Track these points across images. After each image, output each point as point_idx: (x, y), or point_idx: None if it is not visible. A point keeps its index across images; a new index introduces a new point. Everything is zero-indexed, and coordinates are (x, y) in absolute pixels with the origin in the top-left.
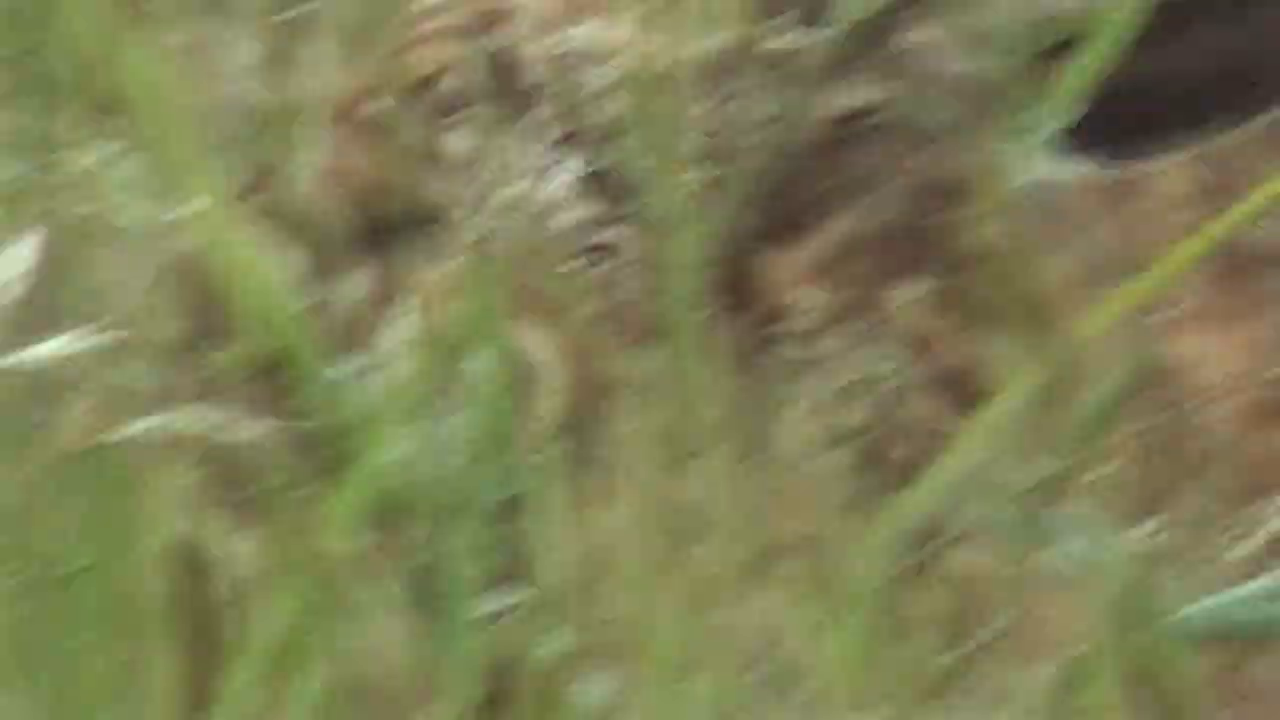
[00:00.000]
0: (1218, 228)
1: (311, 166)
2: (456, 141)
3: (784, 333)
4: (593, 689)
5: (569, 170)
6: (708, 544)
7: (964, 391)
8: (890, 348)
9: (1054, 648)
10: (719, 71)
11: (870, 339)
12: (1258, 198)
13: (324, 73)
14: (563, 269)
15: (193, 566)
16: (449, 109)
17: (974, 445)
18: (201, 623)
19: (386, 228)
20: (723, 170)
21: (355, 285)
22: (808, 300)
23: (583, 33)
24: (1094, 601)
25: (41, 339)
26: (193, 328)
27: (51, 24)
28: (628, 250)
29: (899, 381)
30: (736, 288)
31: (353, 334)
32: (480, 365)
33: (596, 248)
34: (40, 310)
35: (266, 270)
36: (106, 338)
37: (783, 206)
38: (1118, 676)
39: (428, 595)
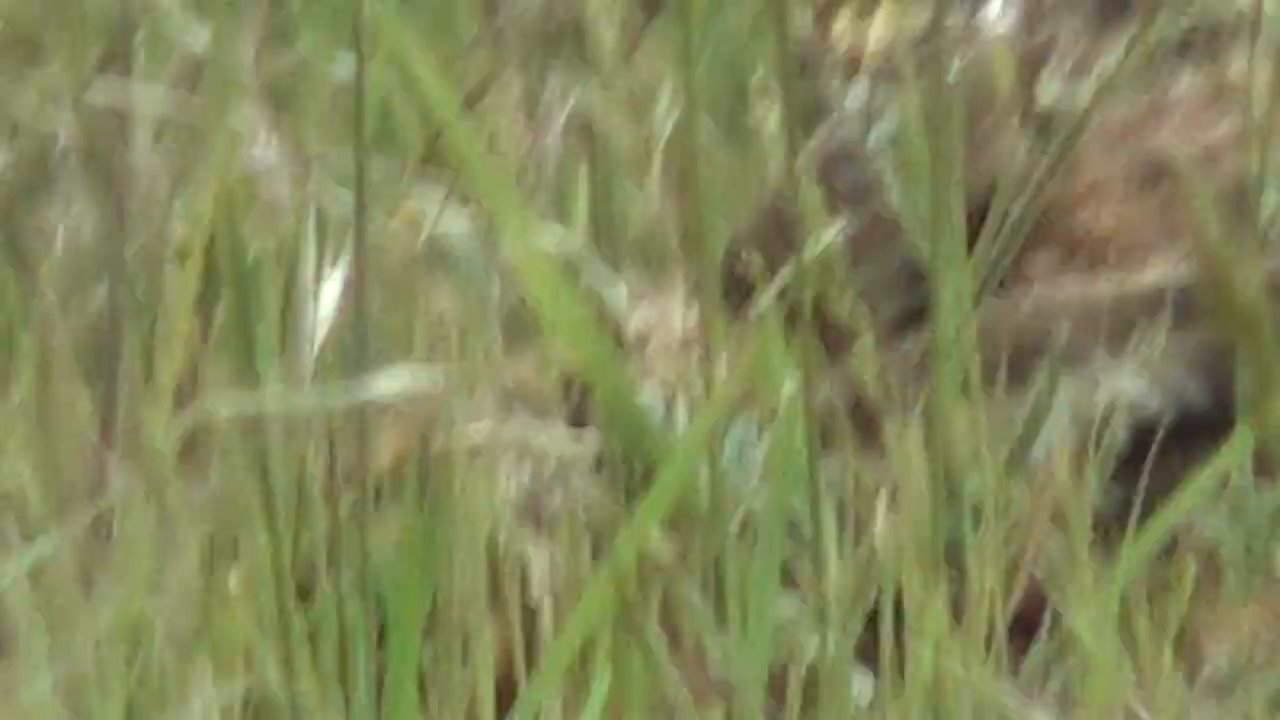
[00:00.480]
0: None
1: (646, 203)
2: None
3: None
4: (861, 691)
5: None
6: (973, 553)
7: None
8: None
9: None
10: None
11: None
12: None
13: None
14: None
15: (507, 570)
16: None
17: (1230, 463)
18: (512, 623)
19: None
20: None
21: (673, 315)
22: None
23: None
24: None
25: (370, 371)
26: (514, 356)
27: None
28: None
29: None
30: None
31: (670, 365)
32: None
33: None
34: (370, 339)
35: (580, 303)
36: (436, 372)
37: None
38: None
39: (721, 602)
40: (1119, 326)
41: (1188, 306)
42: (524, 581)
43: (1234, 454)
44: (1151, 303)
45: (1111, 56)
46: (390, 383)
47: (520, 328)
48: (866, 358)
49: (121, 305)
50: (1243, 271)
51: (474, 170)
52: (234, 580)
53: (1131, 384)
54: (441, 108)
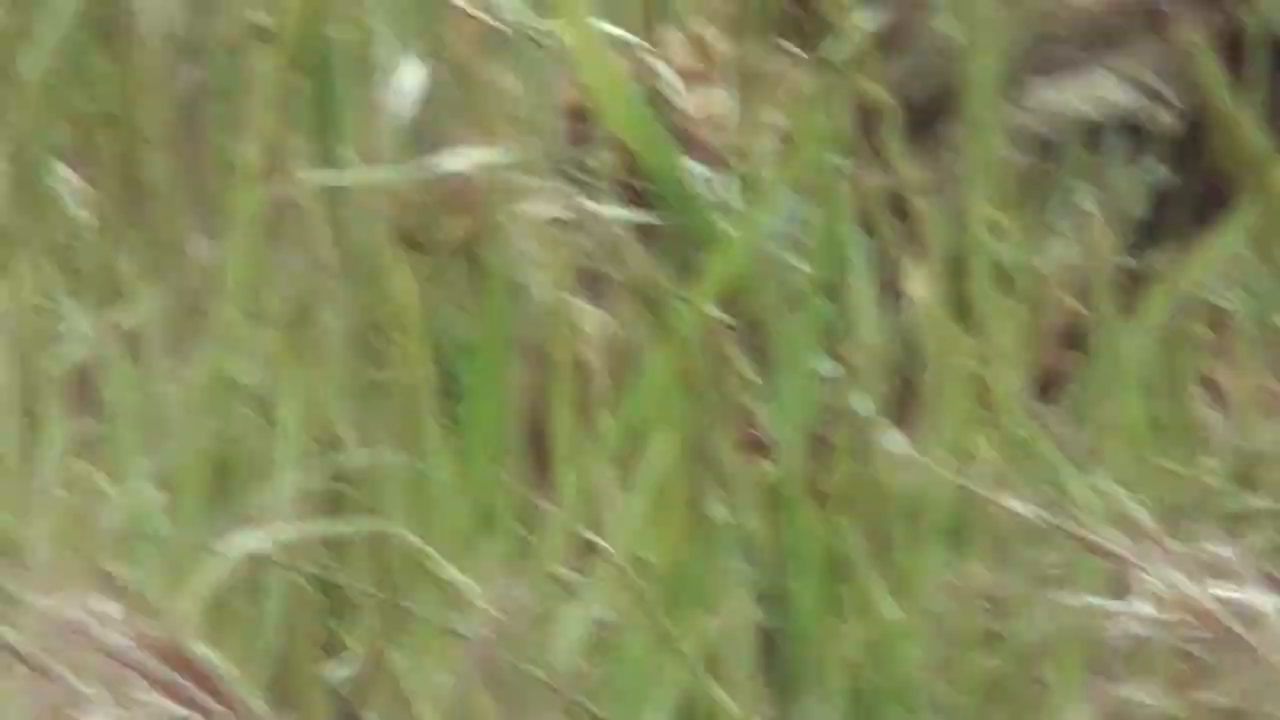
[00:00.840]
0: None
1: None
2: None
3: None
4: (896, 441)
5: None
6: (994, 316)
7: None
8: None
9: None
10: None
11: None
12: None
13: None
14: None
15: (563, 333)
16: None
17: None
18: (577, 381)
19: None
20: None
21: (719, 100)
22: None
23: None
24: None
25: (439, 149)
26: (572, 134)
27: None
28: None
29: None
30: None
31: (718, 144)
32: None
33: None
34: (438, 119)
35: (632, 88)
36: (499, 151)
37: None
38: None
39: (766, 362)
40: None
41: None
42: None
43: (1237, 226)
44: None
45: None
46: (457, 160)
47: (580, 110)
48: (898, 137)
49: (207, 85)
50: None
51: None
52: (313, 342)
53: (1121, 92)
54: None
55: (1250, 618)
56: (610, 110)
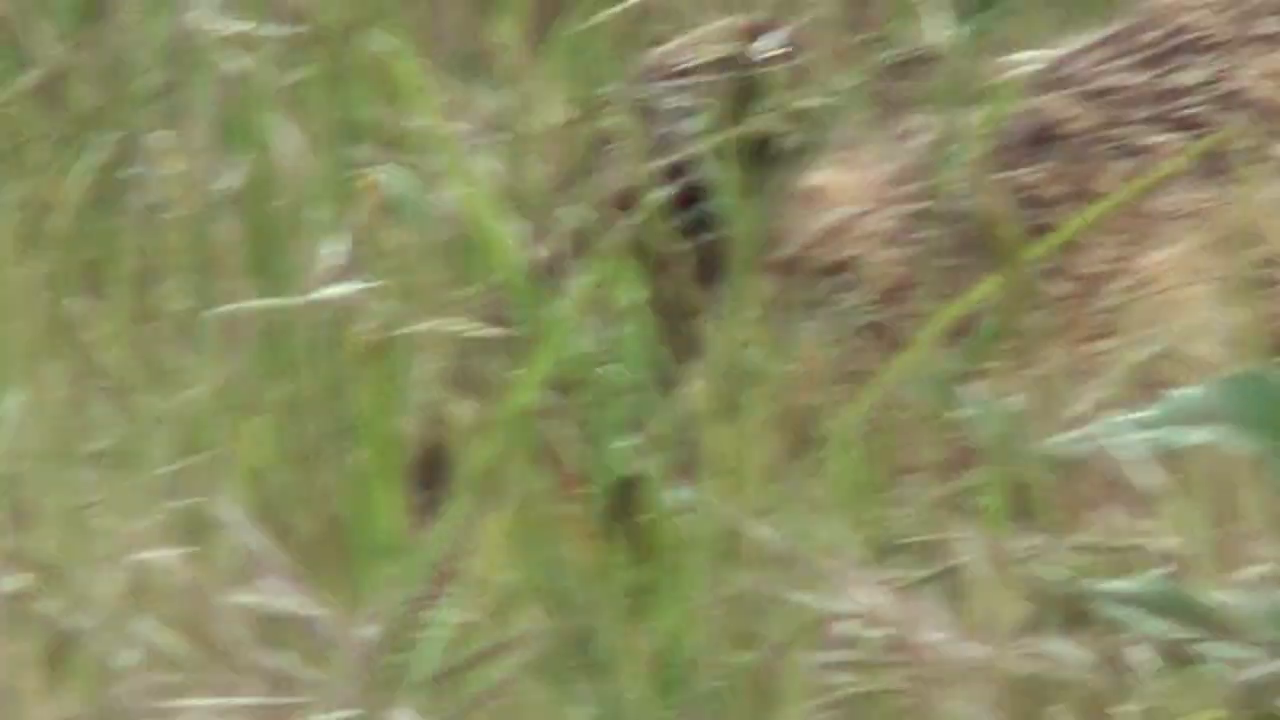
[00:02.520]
0: None
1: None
2: None
3: None
4: (680, 496)
5: None
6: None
7: None
8: None
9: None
10: None
11: None
12: None
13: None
14: None
15: (436, 420)
16: None
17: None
18: (438, 458)
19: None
20: None
21: (560, 243)
22: None
23: None
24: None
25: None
26: (450, 274)
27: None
28: None
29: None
30: None
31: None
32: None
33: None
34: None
35: (503, 235)
36: (381, 282)
37: None
38: (1005, 488)
39: (588, 438)
40: None
41: None
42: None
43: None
44: None
45: None
46: (351, 289)
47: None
48: (683, 277)
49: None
50: None
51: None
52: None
53: None
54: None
55: (916, 622)
56: (491, 255)
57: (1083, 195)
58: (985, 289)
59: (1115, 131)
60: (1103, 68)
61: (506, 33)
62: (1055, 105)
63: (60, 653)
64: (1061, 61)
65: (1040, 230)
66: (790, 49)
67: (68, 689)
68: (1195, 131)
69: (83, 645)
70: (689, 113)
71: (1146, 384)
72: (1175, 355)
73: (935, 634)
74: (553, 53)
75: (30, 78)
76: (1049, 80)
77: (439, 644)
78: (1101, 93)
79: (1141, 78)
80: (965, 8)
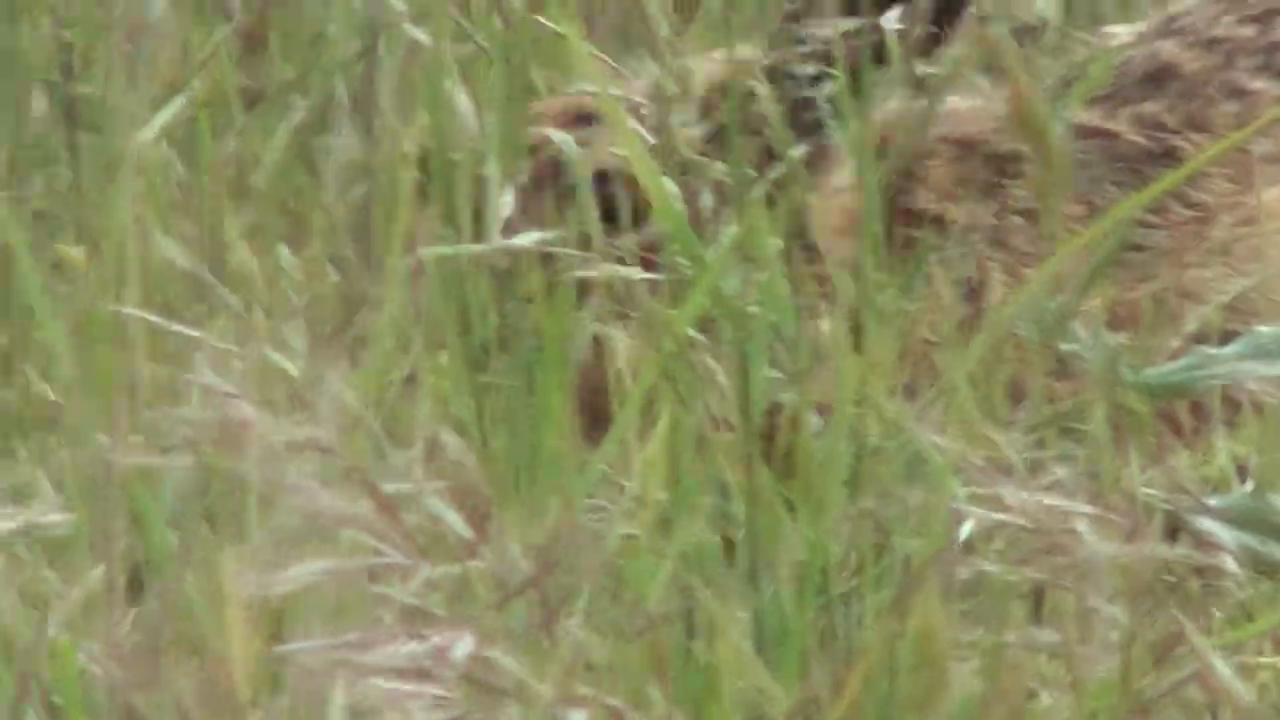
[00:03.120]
0: None
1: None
2: None
3: None
4: (814, 421)
5: None
6: None
7: None
8: None
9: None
10: None
11: None
12: None
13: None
14: None
15: (603, 354)
16: None
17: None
18: (605, 388)
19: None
20: None
21: (710, 197)
22: None
23: None
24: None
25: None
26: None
27: None
28: None
29: None
30: None
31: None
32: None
33: None
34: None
35: (664, 189)
36: (555, 233)
37: None
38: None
39: (737, 371)
40: None
41: None
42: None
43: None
44: None
45: None
46: (528, 239)
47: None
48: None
49: (372, 194)
50: None
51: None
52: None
53: None
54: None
55: (1061, 516)
56: (654, 207)
57: (1198, 128)
58: (1121, 209)
59: (1223, 76)
60: (1214, 20)
61: (658, 7)
62: (1171, 49)
63: None
64: (1176, 16)
65: (1165, 154)
66: (910, 23)
67: None
68: None
69: None
70: (820, 78)
71: (1244, 314)
72: (1272, 289)
73: (1074, 528)
74: (701, 26)
75: (231, 39)
76: (1166, 29)
77: (607, 550)
78: (1212, 42)
79: (1248, 31)
80: None
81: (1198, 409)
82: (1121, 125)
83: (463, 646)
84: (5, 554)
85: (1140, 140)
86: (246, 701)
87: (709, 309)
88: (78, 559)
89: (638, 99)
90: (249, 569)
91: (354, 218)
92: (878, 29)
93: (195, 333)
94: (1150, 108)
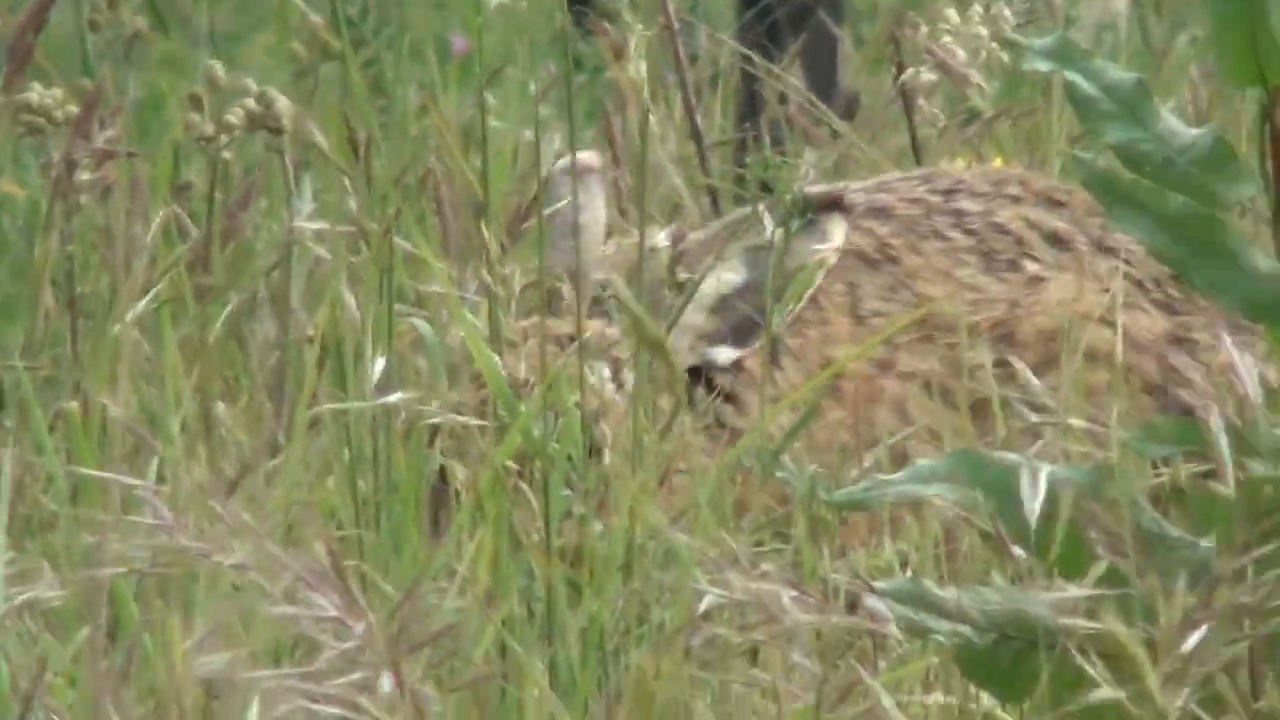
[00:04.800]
0: None
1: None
2: None
3: None
4: (598, 528)
5: None
6: None
7: None
8: None
9: None
10: None
11: None
12: None
13: None
14: None
15: (441, 474)
16: None
17: None
18: (446, 499)
19: None
20: None
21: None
22: None
23: None
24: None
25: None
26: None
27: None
28: None
29: None
30: None
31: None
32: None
33: None
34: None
35: (492, 364)
36: (415, 394)
37: None
38: (805, 523)
39: (537, 488)
40: None
41: None
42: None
43: None
44: None
45: None
46: (394, 398)
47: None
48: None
49: (284, 365)
50: None
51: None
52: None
53: None
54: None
55: (773, 595)
56: (484, 371)
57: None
58: (824, 374)
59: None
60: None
61: (492, 233)
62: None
63: None
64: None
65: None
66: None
67: None
68: None
69: None
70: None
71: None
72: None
73: (782, 604)
74: (524, 244)
75: (187, 253)
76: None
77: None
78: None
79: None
80: None
81: (873, 518)
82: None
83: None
84: (16, 620)
85: None
86: None
87: (522, 446)
88: (69, 624)
89: (474, 297)
90: (190, 635)
91: (271, 382)
92: None
93: (139, 481)
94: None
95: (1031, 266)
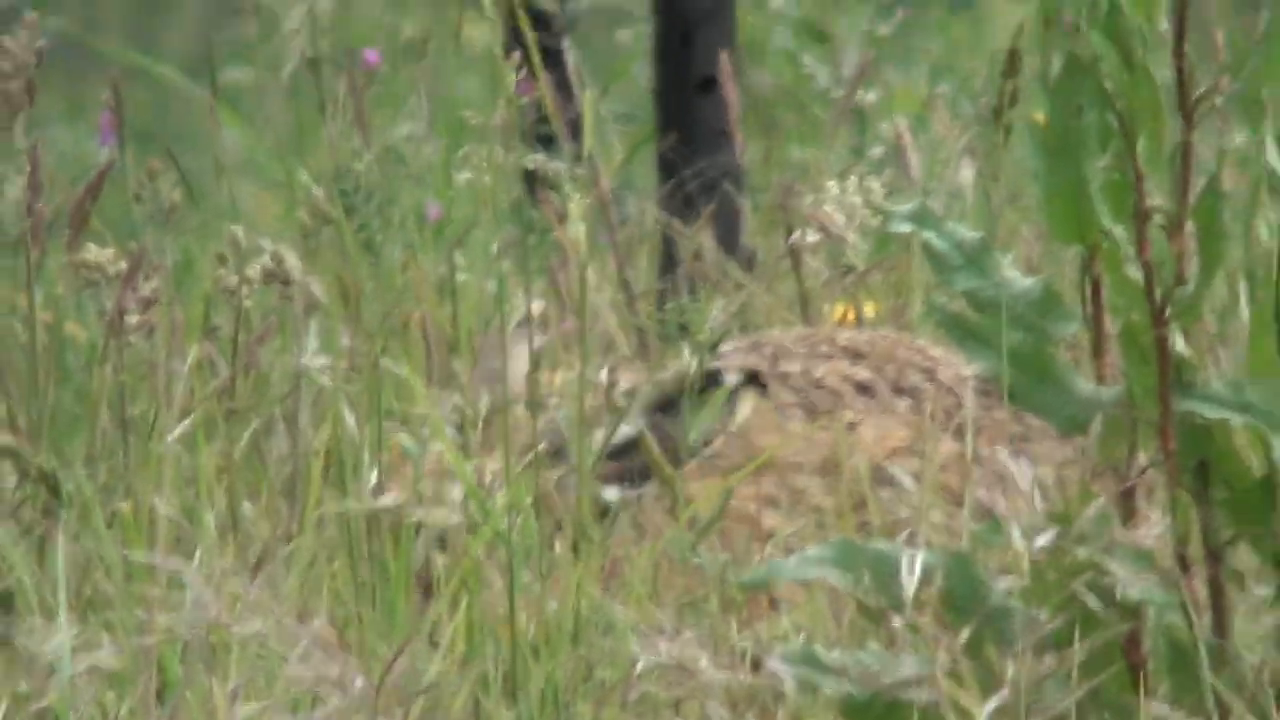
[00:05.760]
0: None
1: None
2: None
3: None
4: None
5: None
6: None
7: None
8: None
9: None
10: None
11: None
12: None
13: None
14: None
15: (427, 561)
16: None
17: None
18: (430, 580)
19: None
20: None
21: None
22: None
23: None
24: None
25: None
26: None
27: None
28: None
29: None
30: None
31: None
32: None
33: None
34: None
35: (468, 476)
36: (404, 496)
37: None
38: (718, 600)
39: (504, 571)
40: None
41: None
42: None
43: None
44: None
45: None
46: (388, 500)
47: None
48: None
49: (297, 473)
50: None
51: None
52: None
53: None
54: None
55: (693, 659)
56: (458, 474)
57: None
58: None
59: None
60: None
61: (459, 365)
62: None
63: None
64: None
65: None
66: None
67: None
68: None
69: None
70: None
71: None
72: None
73: (701, 666)
74: None
75: (218, 380)
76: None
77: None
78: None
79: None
80: None
81: (771, 596)
82: None
83: None
84: (82, 682)
85: None
86: None
87: (491, 538)
88: (125, 684)
89: (451, 415)
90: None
91: (285, 487)
92: None
93: (181, 566)
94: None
95: (847, 414)
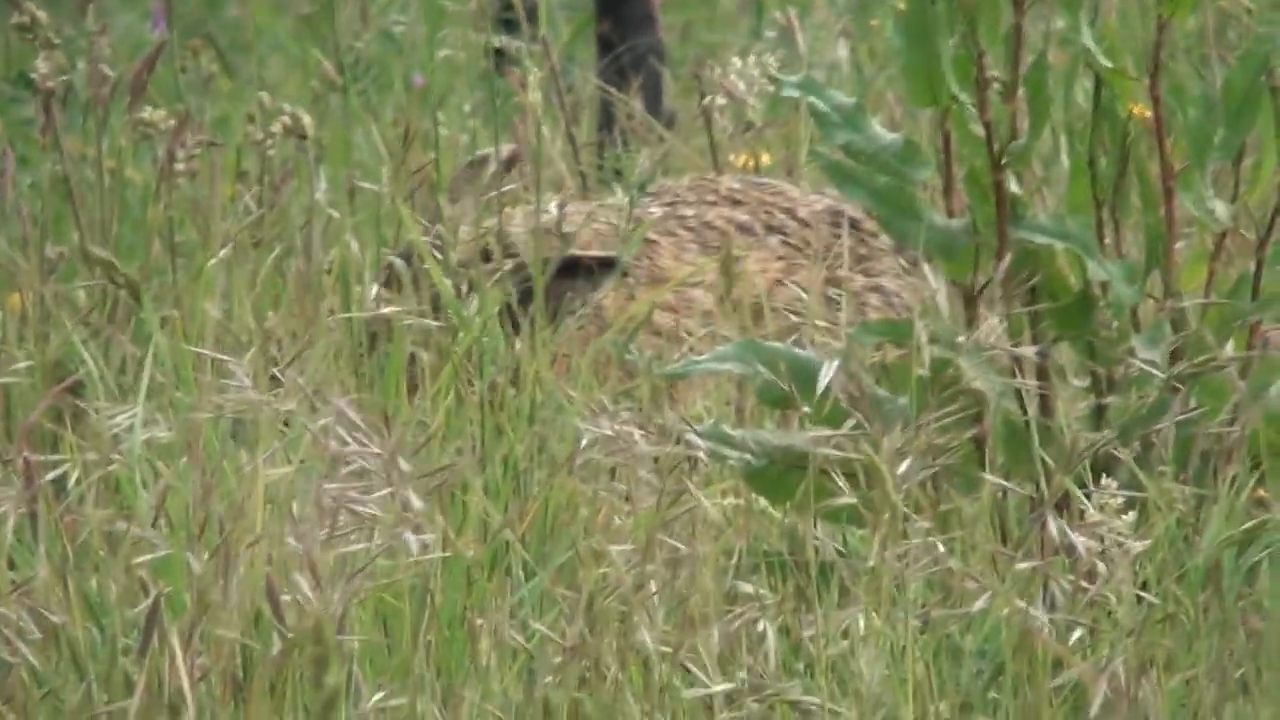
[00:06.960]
0: None
1: None
2: None
3: None
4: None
5: None
6: None
7: None
8: None
9: None
10: None
11: None
12: None
13: None
14: None
15: (412, 359)
16: None
17: None
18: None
19: None
20: None
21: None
22: None
23: None
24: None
25: None
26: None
27: None
28: None
29: None
30: None
31: None
32: None
33: None
34: None
35: (445, 282)
36: (402, 307)
37: None
38: (650, 389)
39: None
40: None
41: None
42: None
43: None
44: None
45: None
46: (387, 309)
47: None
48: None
49: (310, 290)
50: None
51: None
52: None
53: None
54: None
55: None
56: (440, 290)
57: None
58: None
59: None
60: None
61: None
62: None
63: None
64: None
65: None
66: None
67: None
68: None
69: None
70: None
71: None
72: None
73: (635, 439)
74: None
75: (249, 215)
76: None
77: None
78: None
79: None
80: None
81: (690, 384)
82: None
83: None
84: (145, 452)
85: None
86: None
87: (467, 340)
88: (176, 454)
89: (434, 240)
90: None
91: (304, 297)
92: None
93: (224, 356)
94: None
95: (733, 250)
